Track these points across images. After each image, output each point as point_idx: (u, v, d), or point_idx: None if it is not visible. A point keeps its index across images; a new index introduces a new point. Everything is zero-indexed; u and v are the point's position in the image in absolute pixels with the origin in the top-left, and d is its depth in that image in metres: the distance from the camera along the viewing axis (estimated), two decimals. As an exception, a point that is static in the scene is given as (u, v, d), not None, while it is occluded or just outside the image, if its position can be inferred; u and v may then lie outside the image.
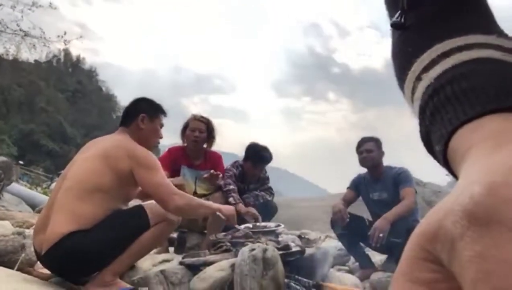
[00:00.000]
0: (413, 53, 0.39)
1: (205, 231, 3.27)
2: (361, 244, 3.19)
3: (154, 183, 2.00)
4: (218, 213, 2.20)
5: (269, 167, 3.88)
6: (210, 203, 2.28)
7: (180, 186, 2.57)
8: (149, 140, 2.24)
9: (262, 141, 3.87)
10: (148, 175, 2.00)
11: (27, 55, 18.32)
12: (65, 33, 16.68)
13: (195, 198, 2.23)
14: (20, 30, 15.65)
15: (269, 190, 3.80)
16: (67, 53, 51.51)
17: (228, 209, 2.28)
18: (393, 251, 2.91)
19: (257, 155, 3.59)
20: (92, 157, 2.00)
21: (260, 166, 3.65)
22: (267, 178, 3.85)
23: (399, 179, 3.05)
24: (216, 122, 3.62)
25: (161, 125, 2.33)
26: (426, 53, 0.38)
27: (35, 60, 35.74)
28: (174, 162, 3.42)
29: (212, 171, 3.22)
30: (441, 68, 0.35)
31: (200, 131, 3.41)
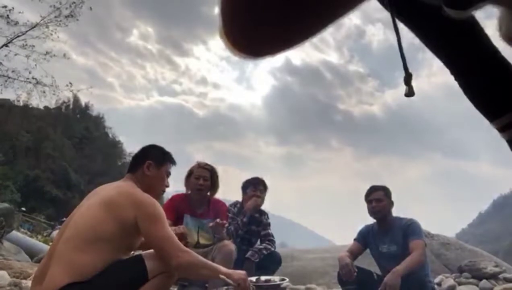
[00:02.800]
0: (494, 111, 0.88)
1: (206, 285, 3.16)
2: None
3: (159, 236, 1.92)
4: (224, 277, 1.98)
5: (273, 216, 3.89)
6: (217, 266, 2.09)
7: (182, 235, 2.49)
8: (155, 188, 2.19)
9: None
10: (153, 227, 1.92)
11: (37, 101, 18.88)
12: (71, 84, 17.24)
13: (201, 257, 2.04)
14: (33, 78, 16.22)
15: (270, 238, 3.75)
16: (76, 99, 52.85)
17: (238, 274, 2.05)
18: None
19: (247, 181, 3.85)
20: (95, 205, 1.95)
21: (253, 187, 3.78)
22: (269, 224, 3.86)
23: (408, 231, 2.97)
24: (220, 168, 3.64)
25: (168, 174, 2.29)
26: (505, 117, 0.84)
27: (45, 107, 36.65)
28: (177, 210, 3.37)
29: (218, 220, 3.15)
30: None
31: (204, 179, 3.39)
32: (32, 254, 5.77)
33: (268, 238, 3.75)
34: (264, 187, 3.84)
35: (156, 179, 2.21)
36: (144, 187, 2.10)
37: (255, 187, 3.78)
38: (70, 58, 18.64)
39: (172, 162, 2.33)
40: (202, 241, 3.36)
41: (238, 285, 2.02)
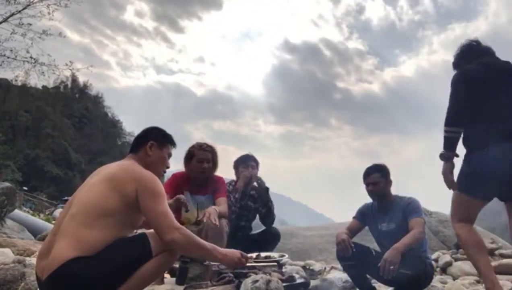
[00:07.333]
0: None
1: (206, 263, 3.21)
2: (368, 275, 3.12)
3: (157, 211, 1.96)
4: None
5: (273, 194, 3.92)
6: (212, 247, 2.04)
7: (180, 202, 2.51)
8: (156, 168, 2.23)
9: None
10: (151, 202, 1.96)
11: (35, 80, 18.75)
12: (71, 63, 17.06)
13: (195, 237, 2.02)
14: (31, 57, 16.05)
15: (270, 212, 3.82)
16: (74, 79, 52.37)
17: (232, 256, 2.05)
18: (401, 283, 2.83)
19: (236, 160, 3.89)
20: (99, 182, 1.99)
21: (244, 164, 3.81)
22: (271, 201, 3.87)
23: (408, 209, 2.99)
24: (219, 148, 3.64)
25: (169, 155, 2.33)
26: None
27: (43, 86, 36.46)
28: (177, 188, 3.39)
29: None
30: None
31: (207, 161, 3.37)
32: (35, 232, 5.84)
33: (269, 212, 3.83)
34: (256, 162, 3.86)
35: (158, 159, 2.24)
36: (146, 166, 2.13)
37: (246, 164, 3.80)
38: (65, 36, 18.38)
39: (173, 143, 2.35)
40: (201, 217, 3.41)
41: (231, 266, 2.08)
